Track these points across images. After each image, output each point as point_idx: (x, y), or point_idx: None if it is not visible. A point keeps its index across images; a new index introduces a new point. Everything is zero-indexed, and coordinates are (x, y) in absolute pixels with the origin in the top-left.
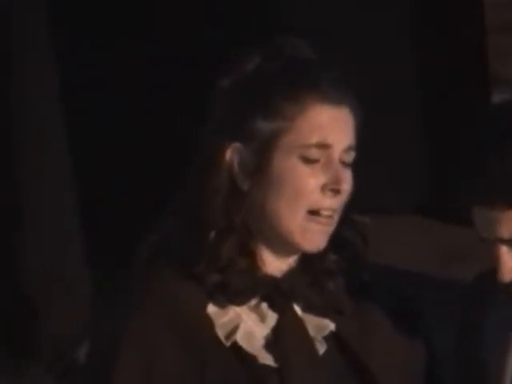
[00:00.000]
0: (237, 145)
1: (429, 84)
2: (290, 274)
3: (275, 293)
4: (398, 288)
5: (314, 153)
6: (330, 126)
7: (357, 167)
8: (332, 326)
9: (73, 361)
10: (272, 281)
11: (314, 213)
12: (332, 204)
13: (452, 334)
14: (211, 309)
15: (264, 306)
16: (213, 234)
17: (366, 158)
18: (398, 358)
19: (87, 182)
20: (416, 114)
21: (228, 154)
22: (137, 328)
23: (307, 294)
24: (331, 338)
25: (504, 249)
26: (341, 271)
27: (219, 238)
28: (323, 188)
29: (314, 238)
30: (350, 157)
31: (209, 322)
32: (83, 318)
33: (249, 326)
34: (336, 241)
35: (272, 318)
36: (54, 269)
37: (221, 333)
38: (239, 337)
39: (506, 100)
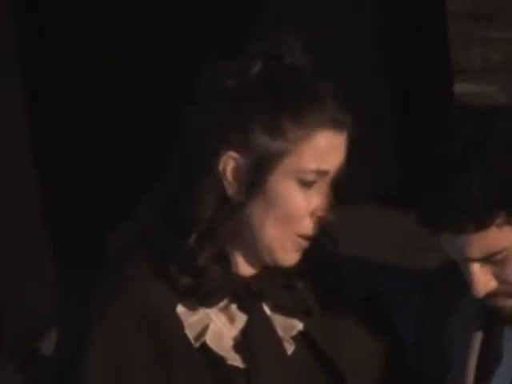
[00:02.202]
0: (233, 154)
1: (392, 72)
2: (261, 274)
3: (244, 293)
4: (365, 278)
5: (312, 177)
6: (331, 153)
7: None
8: (300, 326)
9: (35, 350)
10: (243, 281)
11: (300, 236)
12: (315, 228)
13: (413, 324)
14: (181, 309)
15: (233, 307)
16: (193, 237)
17: None
18: (366, 351)
19: (60, 172)
20: (380, 102)
21: (222, 162)
22: (106, 327)
23: (276, 294)
24: (300, 338)
25: (475, 266)
26: (310, 271)
27: (199, 244)
28: (312, 214)
29: (293, 256)
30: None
31: (178, 322)
32: (48, 307)
33: (218, 326)
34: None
35: (241, 319)
36: (18, 256)
37: (190, 333)
38: (208, 338)
39: (463, 116)
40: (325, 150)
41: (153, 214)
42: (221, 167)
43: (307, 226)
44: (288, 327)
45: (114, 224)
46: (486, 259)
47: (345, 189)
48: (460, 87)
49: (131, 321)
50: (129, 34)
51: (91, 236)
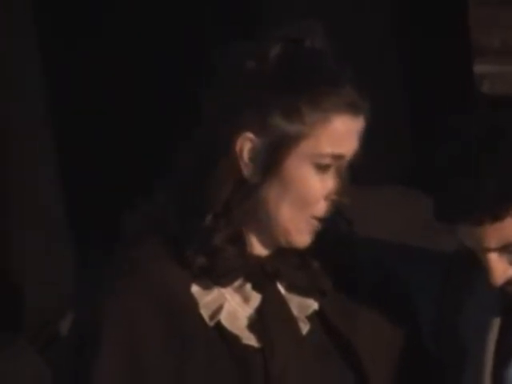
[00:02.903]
0: (250, 135)
1: (413, 56)
2: (275, 254)
3: (259, 273)
4: (383, 260)
5: (328, 161)
6: (347, 137)
7: None
8: (315, 306)
9: (56, 333)
10: (257, 262)
11: (315, 218)
12: (329, 209)
13: (432, 308)
14: (195, 289)
15: (248, 286)
16: (208, 218)
17: None
18: (384, 334)
19: (71, 156)
20: (398, 85)
21: (239, 143)
22: (121, 309)
23: (291, 273)
24: (315, 318)
25: (493, 255)
26: (325, 251)
27: (214, 225)
28: (327, 197)
29: (307, 237)
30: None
31: (193, 302)
32: (66, 291)
33: (232, 306)
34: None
35: (256, 298)
36: (36, 242)
37: (205, 313)
38: (223, 317)
39: (475, 113)
40: (341, 134)
41: (168, 197)
42: (238, 148)
43: (321, 209)
44: (303, 307)
45: (130, 206)
46: (503, 249)
47: (363, 171)
48: (480, 68)
49: (146, 302)
50: (128, 32)
51: (110, 217)
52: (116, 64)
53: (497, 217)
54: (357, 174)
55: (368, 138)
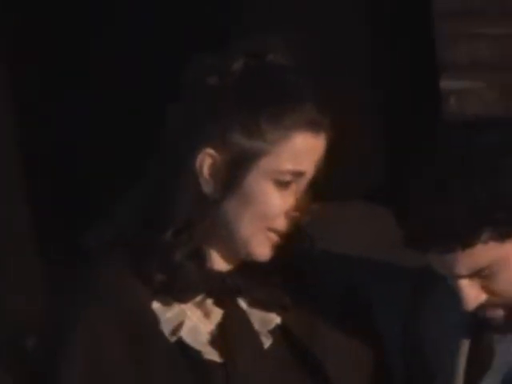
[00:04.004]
0: (210, 151)
1: (378, 69)
2: (237, 269)
3: (220, 288)
4: (346, 276)
5: (288, 178)
6: (308, 154)
7: None
8: (278, 320)
9: (23, 349)
10: (218, 277)
11: (273, 231)
12: (289, 225)
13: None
14: (156, 305)
15: (209, 302)
16: (169, 234)
17: None
18: (347, 349)
19: (36, 170)
20: (367, 100)
21: (199, 159)
22: (85, 327)
23: (253, 289)
24: (278, 332)
25: (465, 281)
26: (287, 267)
27: (174, 241)
28: (287, 213)
29: (267, 251)
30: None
31: (154, 318)
32: (35, 306)
33: (193, 321)
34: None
35: (217, 313)
36: (3, 256)
37: (165, 329)
38: (184, 333)
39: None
40: (301, 151)
41: (130, 212)
42: (198, 164)
43: (281, 224)
44: (265, 321)
45: (92, 223)
46: (475, 274)
47: (333, 186)
48: (447, 84)
49: (108, 320)
50: (114, 33)
51: (73, 231)
52: (78, 77)
53: (468, 244)
54: (325, 190)
55: (335, 155)
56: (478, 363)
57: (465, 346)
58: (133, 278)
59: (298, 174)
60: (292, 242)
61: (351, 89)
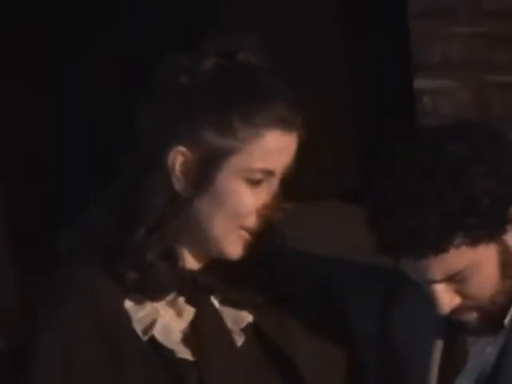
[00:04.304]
0: (182, 149)
1: (353, 69)
2: (208, 268)
3: (192, 287)
4: (319, 275)
5: (259, 176)
6: (279, 153)
7: None
8: (250, 318)
9: None
10: (190, 275)
11: (244, 228)
12: (261, 223)
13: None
14: (128, 304)
15: (181, 300)
16: (141, 233)
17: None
18: (319, 347)
19: (10, 170)
20: (342, 100)
21: (171, 157)
22: (58, 326)
23: (225, 287)
24: (250, 330)
25: (439, 286)
26: (259, 266)
27: (146, 240)
28: (258, 211)
29: (239, 249)
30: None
31: (126, 317)
32: (5, 305)
33: (166, 320)
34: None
35: (189, 312)
36: None
37: (138, 328)
38: (156, 331)
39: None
40: (273, 150)
41: (103, 211)
42: (170, 162)
43: (253, 222)
44: (237, 319)
45: (65, 223)
46: (449, 279)
47: (307, 186)
48: (420, 84)
49: (81, 320)
50: (88, 31)
51: (45, 236)
52: (50, 75)
53: (441, 249)
54: (300, 190)
55: (310, 155)
56: (452, 364)
57: (438, 346)
58: (105, 278)
59: (269, 173)
60: (263, 240)
61: (326, 89)
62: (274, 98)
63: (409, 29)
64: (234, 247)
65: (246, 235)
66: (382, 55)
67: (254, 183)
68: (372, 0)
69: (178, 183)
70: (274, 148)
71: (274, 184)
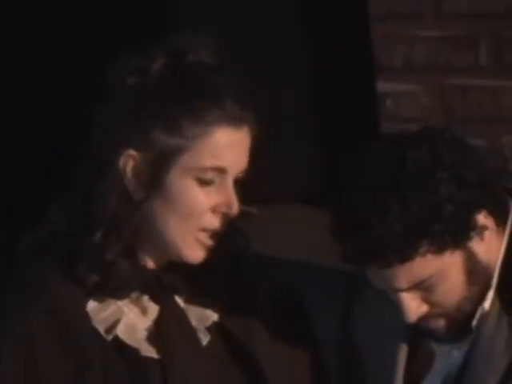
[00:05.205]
0: (132, 152)
1: (314, 71)
2: (172, 268)
3: (155, 285)
4: (281, 279)
5: (210, 175)
6: (229, 150)
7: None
8: (215, 317)
9: None
10: (152, 274)
11: (202, 230)
12: (219, 225)
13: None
14: (92, 304)
15: (145, 298)
16: (98, 235)
17: (254, 148)
18: (281, 347)
19: None
20: (303, 102)
21: (123, 160)
22: (19, 329)
23: (188, 288)
24: (215, 329)
25: (405, 295)
26: (222, 267)
27: (104, 242)
28: (214, 209)
29: (198, 253)
30: (241, 175)
31: (89, 319)
32: None
33: (130, 319)
34: (221, 238)
35: (153, 310)
36: None
37: (100, 327)
38: (120, 330)
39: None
40: (222, 147)
41: (63, 213)
42: (121, 165)
43: (209, 221)
44: (202, 318)
45: (28, 226)
46: (415, 287)
47: (271, 189)
48: (383, 87)
49: (41, 324)
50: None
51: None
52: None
53: (406, 258)
54: (263, 192)
55: (273, 158)
56: (418, 365)
57: (403, 348)
58: (66, 281)
59: (221, 170)
60: (227, 242)
61: (287, 92)
62: (223, 96)
63: (371, 31)
64: (192, 251)
65: (205, 237)
66: (343, 58)
67: (205, 182)
68: (333, 2)
69: (131, 186)
70: (224, 145)
71: (227, 182)
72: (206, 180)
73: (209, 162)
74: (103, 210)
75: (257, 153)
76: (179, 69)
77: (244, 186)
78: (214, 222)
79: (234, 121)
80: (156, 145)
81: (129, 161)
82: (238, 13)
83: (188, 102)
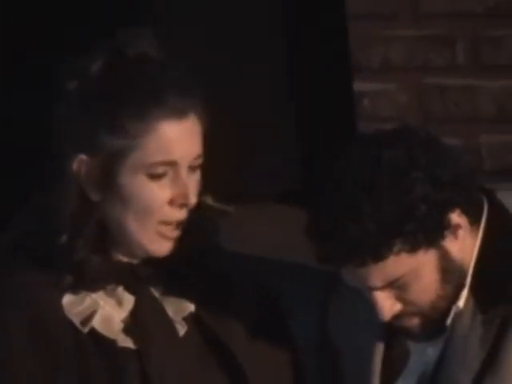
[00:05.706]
0: (82, 157)
1: (292, 71)
2: (146, 261)
3: (130, 277)
4: (258, 277)
5: (161, 169)
6: (177, 142)
7: (222, 156)
8: (192, 308)
9: None
10: (127, 268)
11: (163, 223)
12: (180, 216)
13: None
14: (67, 298)
15: (120, 289)
16: (64, 238)
17: (231, 146)
18: (258, 346)
19: None
20: (280, 100)
21: (76, 165)
22: None
23: (163, 279)
24: (192, 320)
25: (379, 293)
26: (195, 259)
27: (71, 243)
28: (171, 202)
29: (164, 246)
30: (198, 162)
31: (63, 312)
32: None
33: (106, 310)
34: (189, 229)
35: (129, 300)
36: None
37: (76, 320)
38: (96, 322)
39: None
40: (169, 140)
41: (32, 214)
42: (75, 170)
43: (168, 214)
44: (179, 309)
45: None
46: (389, 286)
47: (246, 188)
48: (360, 86)
49: (16, 320)
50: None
51: None
52: None
53: (380, 257)
54: (238, 191)
55: (249, 156)
56: (394, 363)
57: (379, 347)
58: (39, 277)
59: (171, 163)
60: (193, 232)
61: (264, 90)
62: (164, 89)
63: (348, 30)
64: (156, 245)
65: (167, 230)
66: (320, 57)
67: (157, 176)
68: (311, 1)
69: (87, 188)
70: (170, 138)
71: (180, 174)
72: (158, 174)
73: (157, 158)
74: (63, 213)
75: (235, 152)
76: (119, 67)
77: (221, 184)
78: (173, 214)
79: (177, 113)
80: (103, 148)
81: (81, 165)
82: (218, 10)
83: (129, 101)
